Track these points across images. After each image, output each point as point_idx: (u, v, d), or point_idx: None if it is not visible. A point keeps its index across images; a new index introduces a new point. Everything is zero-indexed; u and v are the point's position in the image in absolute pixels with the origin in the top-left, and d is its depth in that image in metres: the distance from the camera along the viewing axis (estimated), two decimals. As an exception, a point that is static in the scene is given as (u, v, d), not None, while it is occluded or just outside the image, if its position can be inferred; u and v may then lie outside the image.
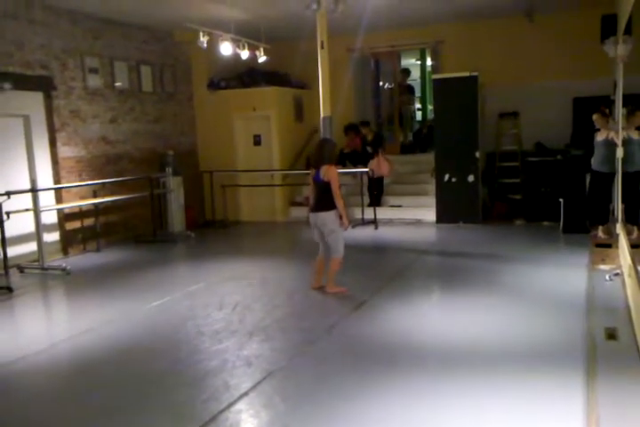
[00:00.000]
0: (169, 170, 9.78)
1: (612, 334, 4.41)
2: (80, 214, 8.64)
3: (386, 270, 6.95)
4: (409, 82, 13.43)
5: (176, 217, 9.90)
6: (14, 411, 3.73)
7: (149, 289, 6.48)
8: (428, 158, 10.87)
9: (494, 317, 5.07)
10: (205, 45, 8.34)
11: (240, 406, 3.59)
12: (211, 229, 10.49)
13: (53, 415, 3.66)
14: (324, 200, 5.77)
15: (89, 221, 8.76)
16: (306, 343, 4.60)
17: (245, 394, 3.73)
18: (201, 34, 8.21)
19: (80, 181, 8.61)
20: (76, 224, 8.63)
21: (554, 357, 4.14)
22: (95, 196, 8.71)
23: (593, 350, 4.18)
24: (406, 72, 12.82)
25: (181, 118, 10.84)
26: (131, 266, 7.72)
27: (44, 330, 5.51)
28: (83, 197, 8.62)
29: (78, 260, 8.15)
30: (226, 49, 8.73)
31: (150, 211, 9.53)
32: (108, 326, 5.24)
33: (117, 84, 9.31)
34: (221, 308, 5.61)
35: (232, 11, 8.74)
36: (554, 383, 3.71)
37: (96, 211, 8.72)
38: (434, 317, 5.25)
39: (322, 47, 7.41)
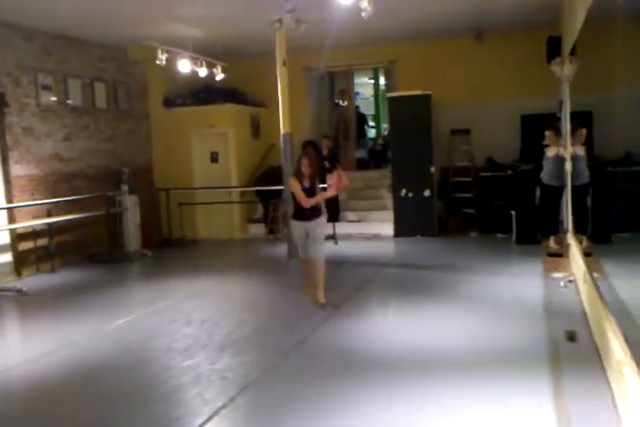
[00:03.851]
0: (124, 188, 9.65)
1: (571, 337, 4.60)
2: (33, 234, 8.40)
3: (349, 284, 7.02)
4: (359, 102, 13.73)
5: (132, 236, 9.73)
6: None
7: (111, 309, 6.34)
8: (383, 174, 11.15)
9: (458, 324, 5.21)
10: (164, 63, 8.33)
11: (217, 420, 3.57)
12: (168, 247, 10.35)
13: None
14: (316, 208, 5.92)
15: (42, 241, 8.51)
16: (277, 356, 4.60)
17: (222, 407, 3.70)
18: (159, 51, 8.22)
19: (32, 199, 8.38)
20: (30, 244, 8.37)
21: (519, 359, 4.30)
22: (49, 215, 8.49)
23: (556, 352, 4.36)
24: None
25: (136, 136, 10.73)
26: (88, 286, 7.54)
27: (3, 352, 5.31)
28: (36, 217, 8.38)
29: (33, 281, 7.89)
30: (184, 66, 8.77)
31: (105, 230, 9.35)
32: (72, 346, 5.12)
33: (69, 101, 9.14)
34: (189, 324, 5.56)
35: (190, 29, 8.79)
36: (523, 383, 3.86)
37: (50, 230, 8.49)
38: (400, 327, 5.32)
39: (284, 64, 7.53)
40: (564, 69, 7.38)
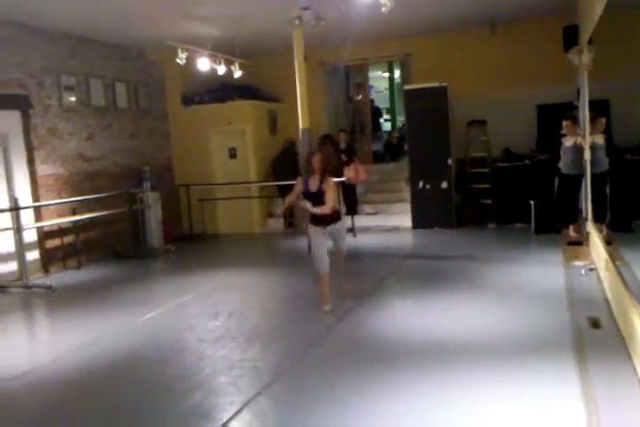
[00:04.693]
0: (146, 185, 9.82)
1: (595, 323, 4.68)
2: (59, 232, 8.59)
3: (371, 276, 7.12)
4: (373, 96, 13.76)
5: (155, 232, 9.91)
6: None
7: (139, 303, 6.50)
8: (400, 167, 11.21)
9: (482, 313, 5.30)
10: (185, 61, 8.45)
11: (252, 407, 3.69)
12: (189, 242, 10.52)
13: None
14: (335, 212, 5.57)
15: (68, 239, 8.72)
16: (306, 346, 4.73)
17: (257, 395, 3.84)
18: (179, 50, 8.34)
19: (59, 198, 8.58)
20: (56, 242, 8.57)
21: (545, 346, 4.38)
22: (74, 213, 8.68)
23: (580, 339, 4.44)
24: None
25: (156, 134, 10.90)
26: (115, 282, 7.72)
27: (46, 345, 5.53)
28: (61, 215, 8.58)
29: (60, 277, 8.08)
30: (203, 65, 8.89)
31: (129, 227, 9.53)
32: (105, 339, 5.27)
33: (92, 101, 9.31)
34: (217, 317, 5.70)
35: (207, 28, 8.90)
36: (549, 369, 3.95)
37: (75, 228, 8.69)
38: (424, 316, 5.40)
39: (305, 60, 7.62)
40: (583, 58, 7.39)
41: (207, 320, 5.61)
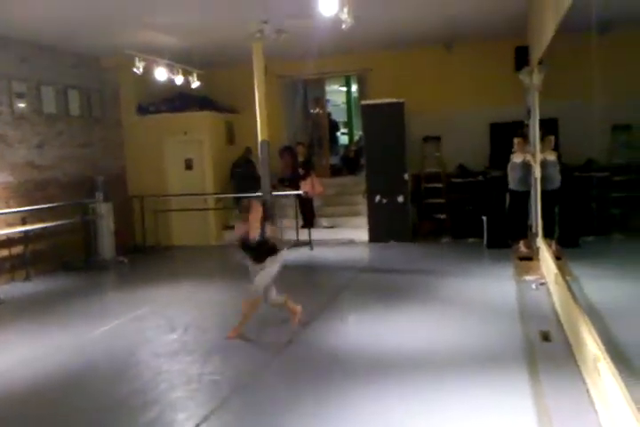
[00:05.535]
0: (99, 195, 9.61)
1: (546, 336, 4.83)
2: (7, 242, 8.30)
3: (327, 288, 7.16)
4: (330, 109, 13.89)
5: (106, 243, 9.67)
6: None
7: (92, 316, 6.35)
8: (357, 180, 11.33)
9: (436, 327, 5.40)
10: (141, 71, 8.36)
11: (211, 422, 3.65)
12: (142, 254, 10.31)
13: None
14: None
15: (17, 250, 8.43)
16: (264, 359, 4.70)
17: (216, 409, 3.79)
18: (136, 59, 8.24)
19: (7, 207, 8.29)
20: (4, 253, 8.27)
21: (498, 358, 4.49)
22: (24, 223, 8.41)
23: (532, 351, 4.58)
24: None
25: (110, 143, 10.69)
26: (66, 294, 7.51)
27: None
28: (10, 225, 8.30)
29: (8, 290, 7.79)
30: (161, 75, 8.80)
31: (80, 237, 9.29)
32: (57, 353, 5.12)
33: (43, 108, 9.08)
34: (173, 330, 5.61)
35: (165, 37, 8.83)
36: (502, 381, 4.05)
37: (25, 238, 8.41)
38: (378, 330, 5.42)
39: (265, 74, 7.65)
40: (534, 79, 7.67)
41: (163, 334, 5.52)
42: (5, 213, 8.17)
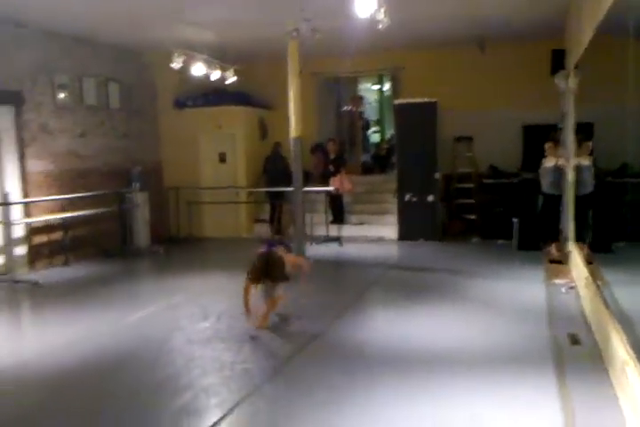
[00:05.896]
0: (136, 185, 9.86)
1: (575, 340, 4.85)
2: (48, 228, 8.59)
3: (356, 284, 7.26)
4: (364, 108, 13.99)
5: (142, 232, 9.94)
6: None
7: (128, 302, 6.56)
8: (387, 179, 11.39)
9: (464, 326, 5.44)
10: (180, 66, 8.54)
11: (243, 408, 3.78)
12: (176, 244, 10.54)
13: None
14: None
15: (56, 236, 8.71)
16: (296, 348, 4.83)
17: (248, 396, 3.92)
18: (175, 55, 8.42)
19: (48, 195, 8.57)
20: (44, 238, 8.56)
21: (525, 360, 4.52)
22: (64, 210, 8.68)
23: (560, 354, 4.61)
24: (359, 99, 13.25)
25: (147, 135, 10.94)
26: (103, 280, 7.75)
27: (33, 341, 5.53)
28: (50, 211, 8.58)
29: (47, 274, 8.07)
30: (198, 70, 8.97)
31: (117, 226, 9.55)
32: (93, 337, 5.30)
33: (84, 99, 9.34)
34: (206, 318, 5.77)
35: (204, 33, 9.00)
36: (529, 383, 4.08)
37: (64, 225, 8.69)
38: (408, 327, 5.48)
39: (300, 72, 7.75)
40: (569, 82, 7.64)
41: (196, 321, 5.68)
42: (46, 200, 8.45)
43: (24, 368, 4.63)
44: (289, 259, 5.50)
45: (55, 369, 4.58)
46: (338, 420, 3.59)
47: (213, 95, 11.31)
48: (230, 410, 3.73)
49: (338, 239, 10.07)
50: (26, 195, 8.28)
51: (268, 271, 5.27)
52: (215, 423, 3.56)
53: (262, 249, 5.53)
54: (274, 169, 10.96)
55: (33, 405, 4.00)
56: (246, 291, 5.43)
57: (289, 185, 8.96)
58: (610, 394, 3.79)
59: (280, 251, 5.58)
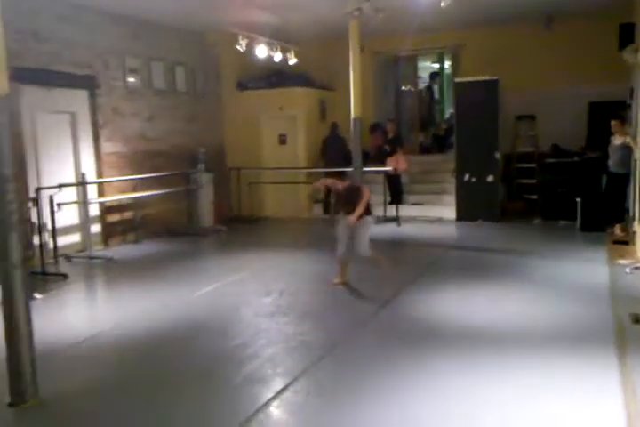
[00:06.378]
0: (201, 166, 10.21)
1: (637, 319, 4.83)
2: (120, 208, 9.07)
3: (416, 264, 7.35)
4: (423, 86, 13.90)
5: (206, 212, 10.33)
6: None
7: (195, 278, 6.90)
8: (446, 158, 11.32)
9: (526, 305, 5.47)
10: (245, 48, 8.74)
11: (306, 378, 4.00)
12: (238, 223, 10.88)
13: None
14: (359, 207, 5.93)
15: (128, 215, 9.20)
16: (356, 324, 5.02)
17: (311, 366, 4.15)
18: (240, 37, 8.62)
19: (121, 175, 9.03)
20: (116, 217, 9.05)
21: (587, 339, 4.54)
22: (135, 190, 9.13)
23: (622, 333, 4.60)
24: (435, 76, 13.25)
25: (211, 117, 11.27)
26: (171, 257, 8.15)
27: (112, 311, 5.91)
28: (123, 191, 9.04)
29: (120, 251, 8.56)
30: (261, 52, 9.16)
31: (183, 205, 9.96)
32: (167, 309, 5.66)
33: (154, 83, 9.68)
34: (269, 294, 6.04)
35: (266, 15, 9.16)
36: (591, 359, 4.14)
37: (135, 204, 9.15)
38: (469, 305, 5.56)
39: (362, 51, 7.81)
40: (639, 57, 7.39)
41: (260, 297, 5.96)
42: (118, 180, 8.91)
43: (106, 336, 5.00)
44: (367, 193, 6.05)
45: (131, 339, 4.92)
46: (396, 394, 3.75)
47: (275, 77, 11.50)
48: (295, 379, 3.95)
49: (396, 219, 10.15)
50: (100, 175, 8.76)
51: (350, 198, 5.96)
52: (280, 390, 3.80)
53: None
54: (332, 150, 11.10)
55: (119, 367, 4.37)
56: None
57: (347, 165, 9.08)
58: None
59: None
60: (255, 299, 5.92)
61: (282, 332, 4.90)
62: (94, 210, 8.67)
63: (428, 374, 3.98)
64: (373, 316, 5.25)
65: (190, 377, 4.11)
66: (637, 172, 7.60)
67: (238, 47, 8.84)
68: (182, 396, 3.76)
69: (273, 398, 3.69)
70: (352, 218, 5.84)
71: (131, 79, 9.32)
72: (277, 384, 3.89)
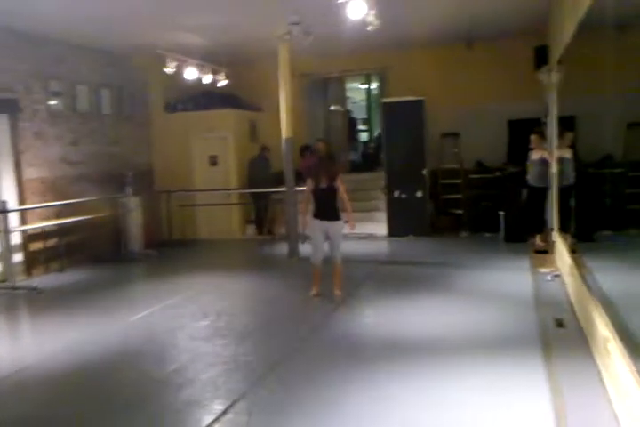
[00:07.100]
0: (128, 190, 9.99)
1: (560, 323, 5.09)
2: (43, 235, 8.71)
3: (350, 280, 7.41)
4: (351, 107, 14.25)
5: (135, 237, 10.06)
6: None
7: (127, 305, 6.71)
8: (377, 176, 11.57)
9: (455, 314, 5.68)
10: (174, 70, 8.69)
11: (248, 399, 3.96)
12: (169, 247, 10.66)
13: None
14: (336, 209, 6.36)
15: (51, 242, 8.83)
16: (295, 342, 5.02)
17: (252, 386, 4.11)
18: (168, 59, 8.57)
19: (44, 201, 8.69)
20: (40, 245, 8.68)
21: (514, 343, 4.78)
22: (58, 216, 8.80)
23: (546, 337, 4.84)
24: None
25: (138, 140, 11.07)
26: (100, 285, 7.89)
27: (39, 344, 5.68)
28: (46, 218, 8.70)
29: (44, 280, 8.18)
30: (191, 74, 9.12)
31: (110, 231, 9.68)
32: (98, 337, 5.47)
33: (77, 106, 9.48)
34: (206, 316, 5.95)
35: (195, 37, 9.16)
36: (518, 362, 4.34)
37: (59, 231, 8.81)
38: (401, 317, 5.71)
39: (293, 75, 7.93)
40: (552, 77, 7.87)
41: (197, 320, 5.86)
42: (41, 207, 8.57)
43: (32, 369, 4.77)
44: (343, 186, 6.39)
45: (64, 367, 4.74)
46: (338, 408, 3.78)
47: (204, 99, 11.47)
48: (235, 401, 3.90)
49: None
50: (22, 202, 8.40)
51: (327, 168, 6.32)
52: (222, 412, 3.74)
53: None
54: (255, 171, 11.12)
55: (38, 404, 4.15)
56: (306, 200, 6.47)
57: (271, 187, 9.16)
58: (594, 371, 4.03)
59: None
60: (192, 322, 5.81)
61: (220, 354, 4.83)
62: (16, 238, 8.29)
63: (365, 388, 4.03)
64: (312, 333, 5.27)
65: (127, 405, 3.99)
66: (554, 185, 8.04)
67: (166, 70, 8.77)
68: (120, 425, 3.63)
69: (215, 420, 3.63)
70: (352, 223, 6.33)
71: (54, 102, 9.05)
72: (218, 406, 3.83)
